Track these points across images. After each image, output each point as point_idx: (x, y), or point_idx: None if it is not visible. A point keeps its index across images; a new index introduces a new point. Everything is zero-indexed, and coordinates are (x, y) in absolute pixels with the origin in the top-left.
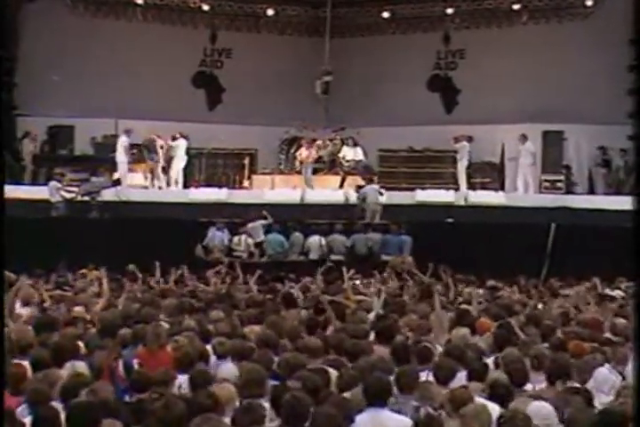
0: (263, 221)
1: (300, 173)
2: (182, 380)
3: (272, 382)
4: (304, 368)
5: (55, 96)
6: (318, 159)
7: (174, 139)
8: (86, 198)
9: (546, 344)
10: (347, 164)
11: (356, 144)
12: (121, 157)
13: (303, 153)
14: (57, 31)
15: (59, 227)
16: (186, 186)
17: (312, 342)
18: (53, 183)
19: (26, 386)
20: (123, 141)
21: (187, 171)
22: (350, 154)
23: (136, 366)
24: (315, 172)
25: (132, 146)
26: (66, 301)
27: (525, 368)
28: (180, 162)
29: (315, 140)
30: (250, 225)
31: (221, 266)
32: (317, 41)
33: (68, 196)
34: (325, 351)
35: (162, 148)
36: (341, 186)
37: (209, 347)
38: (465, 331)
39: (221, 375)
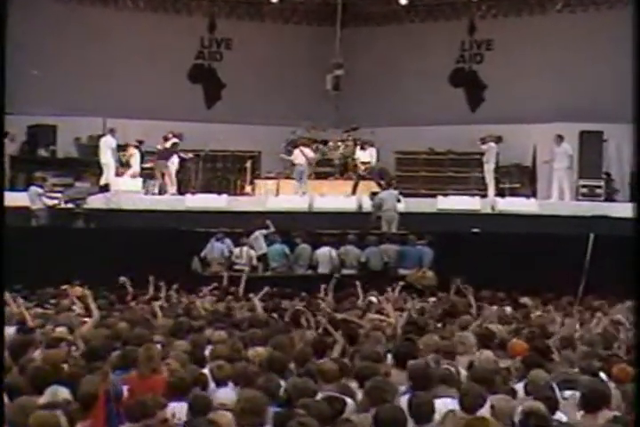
0: (264, 231)
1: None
2: (177, 407)
3: (275, 410)
4: (314, 395)
5: (35, 92)
6: (327, 162)
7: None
8: (70, 206)
9: (583, 369)
10: (362, 167)
11: (370, 145)
12: (107, 159)
13: (297, 155)
14: (38, 20)
15: (40, 237)
16: (181, 192)
17: (323, 366)
18: (34, 189)
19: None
20: (109, 142)
21: (181, 175)
22: (364, 156)
23: (125, 393)
24: (325, 176)
25: (118, 147)
26: (48, 320)
27: (555, 395)
28: (173, 166)
29: (311, 141)
30: (251, 236)
31: (215, 284)
32: (327, 30)
33: (51, 203)
34: (339, 376)
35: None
36: (354, 192)
37: (207, 371)
38: (492, 354)
39: (218, 401)
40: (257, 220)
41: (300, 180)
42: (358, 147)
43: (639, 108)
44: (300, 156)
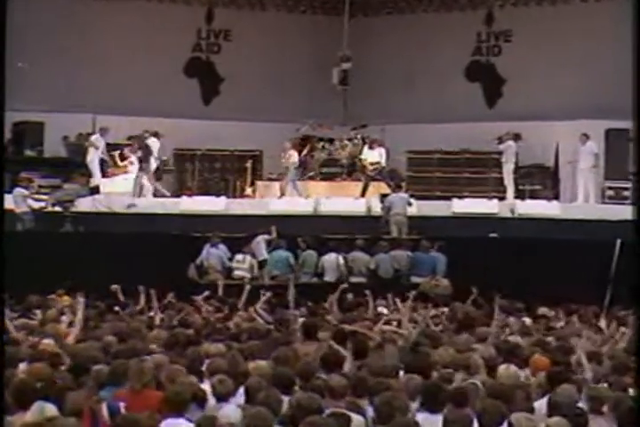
0: (266, 236)
1: (312, 178)
2: (172, 424)
3: None
4: (320, 412)
5: (21, 87)
6: (334, 162)
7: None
8: (58, 209)
9: (611, 384)
10: (371, 167)
11: (379, 144)
12: (94, 159)
13: (290, 154)
14: (22, 10)
15: (25, 242)
16: (177, 194)
17: (330, 381)
18: (19, 191)
19: None
20: (97, 141)
21: (177, 176)
22: (373, 156)
23: (123, 410)
24: (331, 177)
25: (108, 146)
26: (33, 331)
27: (585, 412)
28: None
29: (305, 140)
30: (253, 241)
31: (207, 293)
32: (334, 21)
33: (37, 205)
34: (346, 392)
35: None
36: (363, 194)
37: (206, 386)
38: (513, 368)
39: (224, 420)
40: (263, 226)
41: (293, 183)
42: (366, 146)
43: (639, 108)
44: (292, 157)
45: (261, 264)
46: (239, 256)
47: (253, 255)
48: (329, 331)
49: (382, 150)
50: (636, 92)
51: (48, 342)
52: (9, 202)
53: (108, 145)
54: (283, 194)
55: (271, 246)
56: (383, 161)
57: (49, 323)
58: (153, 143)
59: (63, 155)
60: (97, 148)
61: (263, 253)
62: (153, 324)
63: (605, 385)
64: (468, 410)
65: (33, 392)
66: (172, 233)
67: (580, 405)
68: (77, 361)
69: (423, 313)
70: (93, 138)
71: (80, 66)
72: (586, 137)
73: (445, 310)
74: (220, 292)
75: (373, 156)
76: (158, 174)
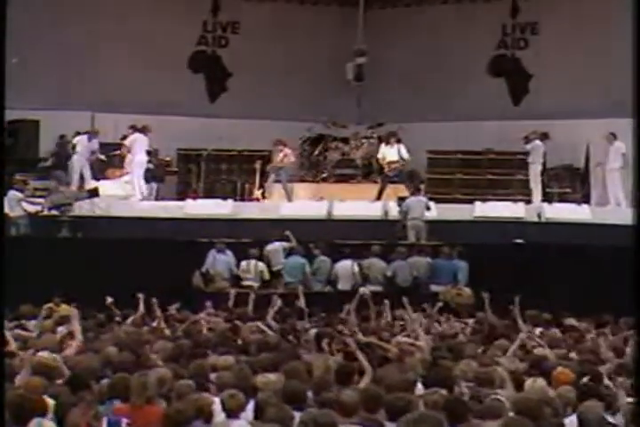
0: (285, 244)
1: (325, 180)
2: None
3: None
4: None
5: (14, 83)
6: (348, 163)
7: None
8: (55, 213)
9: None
10: (392, 166)
11: (397, 141)
12: (74, 163)
13: (286, 153)
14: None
15: (20, 248)
16: (181, 198)
17: (345, 396)
18: (13, 193)
19: None
20: (82, 141)
21: (181, 178)
22: (391, 154)
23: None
24: (346, 179)
25: (107, 146)
26: (29, 343)
27: None
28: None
29: (319, 139)
30: (269, 247)
31: (208, 302)
32: (349, 12)
33: (32, 209)
34: (358, 408)
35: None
36: (379, 197)
37: (213, 401)
38: (541, 383)
39: None
40: (274, 230)
41: (284, 184)
42: (382, 143)
43: (639, 107)
44: (288, 157)
45: (276, 274)
46: (244, 263)
47: (260, 259)
48: (343, 343)
49: (401, 147)
50: (636, 92)
51: (45, 355)
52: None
53: (107, 145)
54: (264, 197)
55: (287, 254)
56: (405, 156)
57: (46, 334)
58: (138, 140)
59: (60, 155)
60: (77, 151)
61: (280, 262)
62: (156, 335)
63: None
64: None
65: (30, 408)
66: (176, 239)
67: (611, 421)
68: (75, 374)
69: (444, 324)
70: (75, 140)
71: (78, 61)
72: (613, 136)
73: (468, 320)
74: (231, 303)
75: (391, 154)
76: (152, 173)
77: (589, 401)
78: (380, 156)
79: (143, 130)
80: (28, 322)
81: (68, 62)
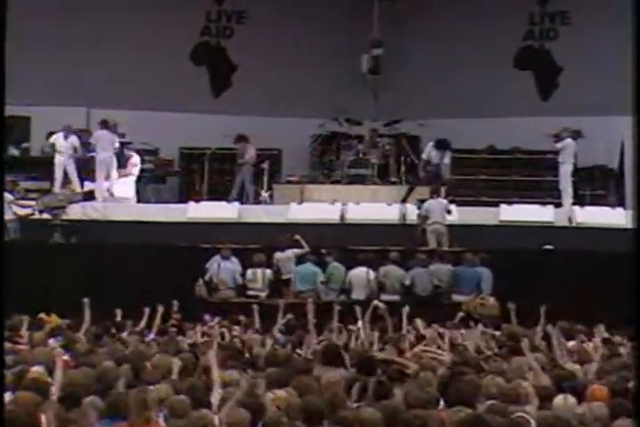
0: (297, 251)
1: (339, 181)
2: None
3: None
4: None
5: (4, 78)
6: (363, 163)
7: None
8: (47, 216)
9: None
10: (428, 167)
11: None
12: (59, 164)
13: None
14: None
15: (9, 254)
16: (183, 200)
17: (361, 413)
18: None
19: None
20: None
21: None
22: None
23: None
24: (361, 180)
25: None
26: (19, 356)
27: None
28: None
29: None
30: (279, 255)
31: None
32: (364, 0)
33: (23, 212)
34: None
35: None
36: (405, 199)
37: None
38: (572, 400)
39: None
40: (282, 235)
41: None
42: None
43: (639, 106)
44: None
45: (286, 282)
46: (249, 272)
47: (268, 266)
48: (355, 357)
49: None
50: (636, 92)
51: (37, 369)
52: None
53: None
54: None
55: (299, 262)
56: (446, 161)
57: (38, 347)
58: (101, 137)
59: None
60: (56, 150)
61: (290, 271)
62: (156, 348)
63: None
64: None
65: (23, 425)
66: (178, 244)
67: None
68: (69, 391)
69: (467, 337)
70: (52, 138)
71: (72, 53)
72: None
73: (493, 332)
74: (257, 318)
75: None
76: (153, 174)
77: (621, 419)
78: (424, 156)
79: (106, 126)
80: (18, 334)
81: (61, 54)
